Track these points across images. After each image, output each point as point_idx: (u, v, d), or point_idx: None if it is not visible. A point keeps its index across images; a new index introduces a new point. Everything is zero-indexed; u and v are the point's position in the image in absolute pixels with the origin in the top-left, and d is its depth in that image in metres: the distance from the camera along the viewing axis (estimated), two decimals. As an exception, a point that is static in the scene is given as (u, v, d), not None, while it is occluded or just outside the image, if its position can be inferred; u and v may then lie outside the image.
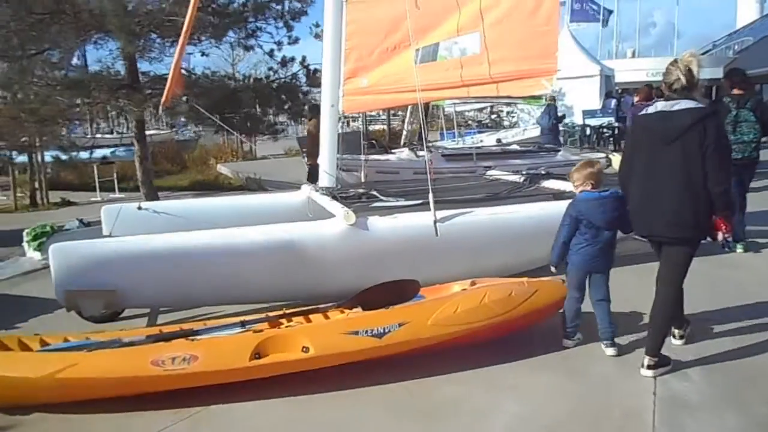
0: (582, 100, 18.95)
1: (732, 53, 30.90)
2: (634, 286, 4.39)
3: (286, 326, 3.60)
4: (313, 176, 8.22)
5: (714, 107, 3.70)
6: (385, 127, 23.43)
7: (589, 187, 3.73)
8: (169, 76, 5.49)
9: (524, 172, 6.88)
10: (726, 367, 3.45)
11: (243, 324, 3.62)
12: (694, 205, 3.20)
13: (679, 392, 3.18)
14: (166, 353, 3.22)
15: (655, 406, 3.05)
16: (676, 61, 3.32)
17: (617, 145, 16.48)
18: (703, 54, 33.79)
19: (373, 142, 13.95)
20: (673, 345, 3.73)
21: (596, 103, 18.95)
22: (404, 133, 15.13)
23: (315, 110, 9.83)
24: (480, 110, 29.49)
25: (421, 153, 9.75)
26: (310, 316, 3.89)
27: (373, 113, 31.30)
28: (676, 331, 3.73)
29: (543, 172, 6.84)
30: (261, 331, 3.41)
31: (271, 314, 3.85)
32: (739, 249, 5.77)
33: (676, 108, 3.24)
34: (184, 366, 3.15)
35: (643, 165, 3.37)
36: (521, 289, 3.79)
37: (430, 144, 12.25)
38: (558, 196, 5.78)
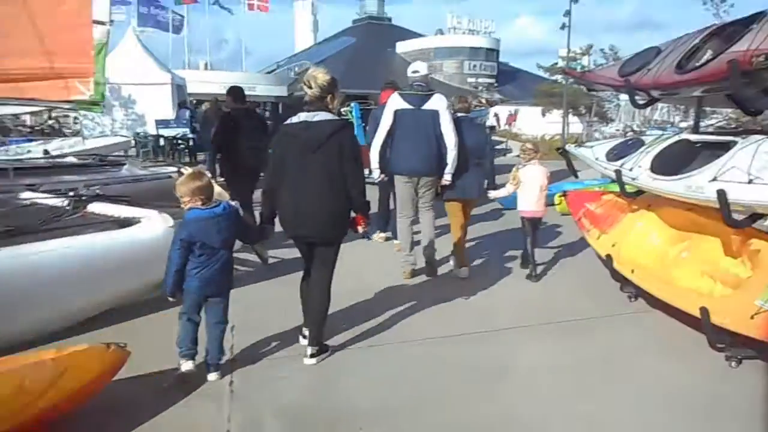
0: (154, 108, 17.99)
1: (293, 74, 34.56)
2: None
3: None
4: None
5: (344, 121, 4.14)
6: None
7: (199, 203, 3.34)
8: None
9: (71, 194, 5.56)
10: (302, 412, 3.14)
11: None
12: (335, 207, 3.57)
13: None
14: None
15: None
16: (308, 76, 3.58)
17: (193, 157, 16.11)
18: (268, 73, 37.17)
19: None
20: (306, 363, 3.64)
21: (170, 113, 18.27)
22: None
23: None
24: (37, 114, 25.13)
25: None
26: None
27: None
28: (309, 349, 3.70)
29: (95, 193, 5.65)
30: None
31: None
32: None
33: (316, 119, 3.53)
34: None
35: (292, 170, 3.56)
36: (41, 372, 2.69)
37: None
38: (116, 223, 4.77)
